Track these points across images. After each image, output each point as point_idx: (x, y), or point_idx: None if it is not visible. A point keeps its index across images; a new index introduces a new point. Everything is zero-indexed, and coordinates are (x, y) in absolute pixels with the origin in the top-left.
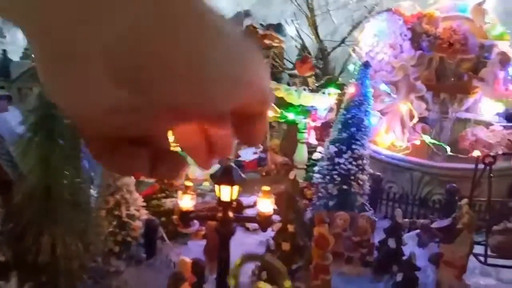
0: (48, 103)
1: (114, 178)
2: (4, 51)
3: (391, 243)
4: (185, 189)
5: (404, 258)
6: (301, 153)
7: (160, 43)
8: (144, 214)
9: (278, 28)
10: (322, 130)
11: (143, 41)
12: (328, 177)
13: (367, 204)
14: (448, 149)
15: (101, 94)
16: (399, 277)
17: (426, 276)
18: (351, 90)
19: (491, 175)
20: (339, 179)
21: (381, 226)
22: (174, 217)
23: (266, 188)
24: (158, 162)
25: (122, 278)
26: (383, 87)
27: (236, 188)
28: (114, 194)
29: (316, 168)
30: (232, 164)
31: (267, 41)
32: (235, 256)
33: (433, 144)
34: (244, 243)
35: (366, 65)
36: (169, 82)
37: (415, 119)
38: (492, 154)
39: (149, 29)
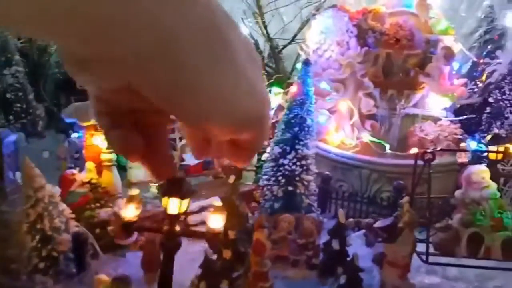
0: None
1: (34, 189)
2: None
3: (335, 244)
4: (130, 199)
5: (348, 259)
6: None
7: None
8: (74, 227)
9: None
10: (271, 130)
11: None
12: (273, 178)
13: (314, 205)
14: (388, 146)
15: (114, 85)
16: (342, 279)
17: (371, 277)
18: (293, 89)
19: (431, 171)
20: (283, 180)
21: (329, 227)
22: (110, 228)
23: (218, 203)
24: (151, 154)
25: None
26: (324, 85)
27: (186, 201)
28: (35, 206)
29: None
30: (182, 175)
31: None
32: (179, 266)
33: (372, 142)
34: (188, 251)
35: (306, 63)
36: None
37: (355, 117)
38: (430, 150)
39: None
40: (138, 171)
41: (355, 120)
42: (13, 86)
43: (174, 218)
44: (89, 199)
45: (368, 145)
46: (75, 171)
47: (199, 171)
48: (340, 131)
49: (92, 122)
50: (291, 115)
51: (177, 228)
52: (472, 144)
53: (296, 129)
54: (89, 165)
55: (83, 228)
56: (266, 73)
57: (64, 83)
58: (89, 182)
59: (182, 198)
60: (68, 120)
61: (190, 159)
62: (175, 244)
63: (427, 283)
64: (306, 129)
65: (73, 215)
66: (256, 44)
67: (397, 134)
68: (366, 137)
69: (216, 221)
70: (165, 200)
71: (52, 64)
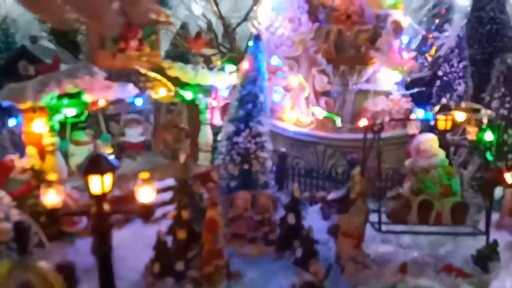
0: None
1: None
2: None
3: (291, 218)
4: (48, 184)
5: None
6: (205, 135)
7: None
8: (16, 215)
9: (162, 1)
10: (226, 110)
11: None
12: (228, 157)
13: (270, 182)
14: (338, 120)
15: None
16: (298, 252)
17: (328, 249)
18: (245, 65)
19: (381, 142)
20: (239, 158)
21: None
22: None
23: (145, 175)
24: None
25: None
26: (275, 61)
27: (108, 177)
28: None
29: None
30: (101, 152)
31: (153, 16)
32: (135, 249)
33: (325, 117)
34: (144, 234)
35: (257, 38)
36: None
37: (306, 92)
38: (378, 121)
39: None
40: (80, 158)
41: (309, 97)
42: None
43: (100, 198)
44: (32, 186)
45: (322, 122)
46: (14, 157)
47: (140, 149)
48: (295, 109)
49: (30, 104)
50: (244, 92)
51: (106, 207)
52: (420, 113)
53: (250, 106)
54: (30, 150)
55: (26, 216)
56: (220, 53)
57: (3, 68)
58: (31, 168)
59: (103, 174)
60: (4, 104)
61: (132, 137)
62: (106, 226)
63: (381, 251)
64: (259, 105)
65: (14, 203)
66: (209, 23)
67: (350, 109)
68: (320, 112)
69: (146, 194)
70: (85, 180)
71: None
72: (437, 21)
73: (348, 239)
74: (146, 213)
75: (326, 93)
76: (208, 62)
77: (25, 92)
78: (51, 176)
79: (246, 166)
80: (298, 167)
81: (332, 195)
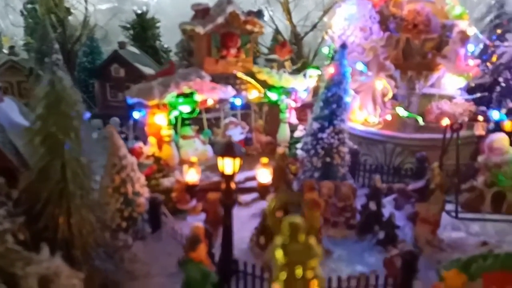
0: (59, 89)
1: (119, 157)
2: None
3: (372, 206)
4: (191, 164)
5: (384, 218)
6: (284, 132)
7: None
8: (147, 192)
9: (259, 14)
10: (302, 111)
11: None
12: (312, 151)
13: (348, 174)
14: (421, 119)
15: None
16: (381, 235)
17: (404, 234)
18: (330, 70)
19: (459, 140)
20: (322, 152)
21: (360, 194)
22: (173, 194)
23: (264, 160)
24: None
25: (131, 251)
26: (359, 66)
27: (238, 160)
28: (119, 172)
29: (299, 145)
30: (233, 140)
31: (249, 27)
32: (235, 227)
33: (407, 116)
34: (237, 215)
35: (343, 46)
36: None
37: (390, 95)
38: (459, 121)
39: None
40: (189, 149)
41: (379, 99)
42: None
43: (230, 177)
44: (154, 169)
45: (391, 122)
46: (141, 144)
47: (242, 145)
48: (363, 110)
49: (156, 101)
50: (329, 94)
51: (233, 185)
52: (495, 115)
53: (334, 106)
54: (152, 140)
55: (157, 194)
56: (290, 58)
57: (92, 72)
58: (153, 155)
59: (234, 157)
60: (130, 101)
61: (234, 136)
62: (232, 200)
63: (453, 237)
64: (342, 105)
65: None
66: (278, 30)
67: (415, 111)
68: (400, 111)
69: (264, 175)
70: (220, 161)
71: (81, 54)
72: (499, 31)
73: (426, 225)
74: (264, 191)
75: (392, 96)
76: (281, 67)
77: (152, 91)
78: (193, 159)
79: (328, 159)
80: (368, 163)
81: (411, 186)
